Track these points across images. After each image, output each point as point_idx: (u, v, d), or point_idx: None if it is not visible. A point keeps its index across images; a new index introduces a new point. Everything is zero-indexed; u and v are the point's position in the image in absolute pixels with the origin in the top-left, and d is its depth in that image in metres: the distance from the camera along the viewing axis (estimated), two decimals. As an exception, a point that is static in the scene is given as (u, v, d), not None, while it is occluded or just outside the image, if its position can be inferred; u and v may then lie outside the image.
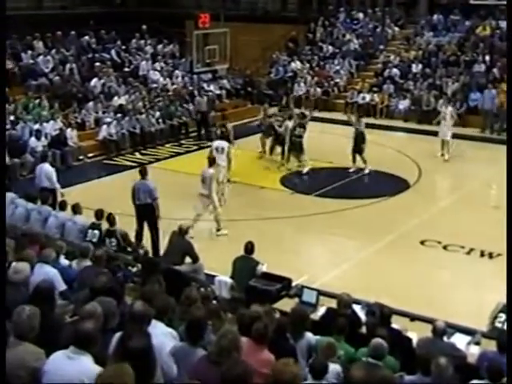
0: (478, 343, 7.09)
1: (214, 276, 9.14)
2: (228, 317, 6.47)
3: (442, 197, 15.01)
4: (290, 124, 16.86)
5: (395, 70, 24.77)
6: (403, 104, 23.22)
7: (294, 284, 8.64)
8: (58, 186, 12.06)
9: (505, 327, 7.26)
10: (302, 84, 25.53)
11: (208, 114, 21.41)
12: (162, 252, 10.35)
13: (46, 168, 12.18)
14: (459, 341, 7.09)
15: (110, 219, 9.85)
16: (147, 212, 11.14)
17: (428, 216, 13.49)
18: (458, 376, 5.91)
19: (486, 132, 20.92)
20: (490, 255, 11.50)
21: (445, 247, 11.90)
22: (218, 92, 24.39)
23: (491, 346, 6.61)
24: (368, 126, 21.64)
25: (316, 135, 18.66)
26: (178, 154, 18.97)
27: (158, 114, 20.62)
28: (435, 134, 18.71)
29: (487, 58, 23.16)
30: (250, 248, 9.01)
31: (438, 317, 7.28)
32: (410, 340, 6.83)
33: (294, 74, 26.37)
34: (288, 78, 26.46)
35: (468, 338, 7.18)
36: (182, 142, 20.31)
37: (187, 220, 11.55)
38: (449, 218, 13.41)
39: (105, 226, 9.94)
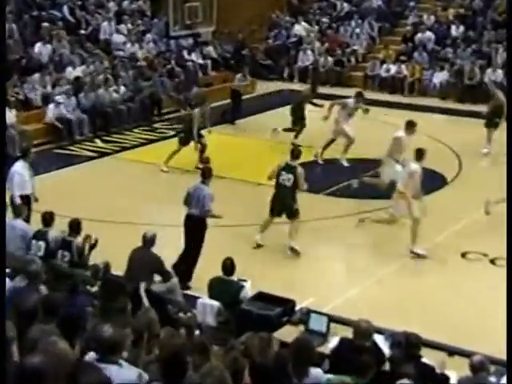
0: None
1: (196, 298, 9.14)
2: (214, 350, 6.46)
3: (489, 196, 14.99)
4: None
5: (429, 34, 24.88)
6: (440, 77, 23.34)
7: (298, 308, 8.64)
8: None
9: None
10: (309, 52, 25.66)
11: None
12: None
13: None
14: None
15: (73, 226, 9.84)
16: (194, 226, 11.06)
17: (471, 221, 13.51)
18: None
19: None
20: (492, 261, 11.62)
21: (492, 261, 11.92)
22: (201, 62, 24.44)
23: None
24: (393, 105, 21.89)
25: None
26: (152, 141, 18.97)
27: (123, 89, 20.63)
28: (478, 114, 18.70)
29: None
30: (229, 267, 9.00)
31: (487, 352, 7.29)
32: (447, 379, 6.83)
33: (299, 40, 26.44)
34: (291, 44, 26.54)
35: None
36: (156, 125, 20.30)
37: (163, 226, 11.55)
38: (497, 224, 13.43)
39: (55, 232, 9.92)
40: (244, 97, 21.52)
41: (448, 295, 10.73)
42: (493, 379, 6.93)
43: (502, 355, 7.95)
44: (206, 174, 11.28)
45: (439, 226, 13.27)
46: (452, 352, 7.77)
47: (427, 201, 14.55)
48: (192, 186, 11.21)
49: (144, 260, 9.51)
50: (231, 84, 21.31)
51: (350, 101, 16.81)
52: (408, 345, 6.89)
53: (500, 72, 22.05)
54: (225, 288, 8.87)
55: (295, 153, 12.39)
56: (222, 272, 9.00)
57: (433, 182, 15.56)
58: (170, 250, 10.80)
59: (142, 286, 9.11)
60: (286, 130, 18.04)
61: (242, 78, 21.08)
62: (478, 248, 12.24)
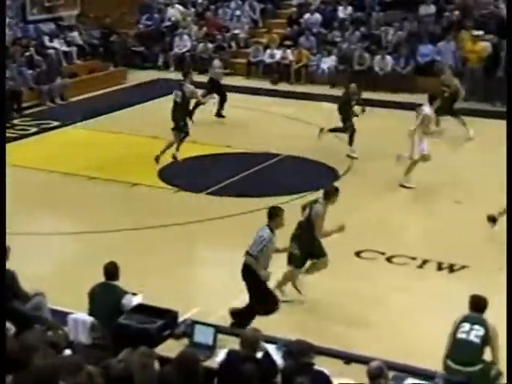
0: (439, 391, 7.33)
1: (66, 313, 9.00)
2: (89, 370, 6.38)
3: (385, 191, 15.36)
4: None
5: (316, 16, 25.19)
6: (328, 63, 23.69)
7: (181, 319, 8.63)
8: None
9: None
10: (186, 37, 25.59)
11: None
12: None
13: None
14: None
15: None
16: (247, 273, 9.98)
17: (364, 216, 13.79)
18: None
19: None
20: (451, 268, 11.90)
21: (389, 259, 12.20)
22: (65, 49, 24.02)
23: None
24: (278, 93, 22.11)
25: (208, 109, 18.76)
26: (12, 139, 18.54)
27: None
28: (372, 103, 19.10)
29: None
30: (111, 271, 8.91)
31: (385, 357, 7.47)
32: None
33: (174, 24, 26.36)
34: (165, 28, 26.43)
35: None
36: (15, 121, 19.86)
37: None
38: (393, 220, 13.76)
39: None
40: (114, 88, 21.33)
41: (342, 297, 10.90)
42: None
43: (408, 357, 8.22)
44: (273, 215, 9.97)
45: (332, 223, 13.48)
46: (349, 359, 7.89)
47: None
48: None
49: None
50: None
51: None
52: (300, 354, 6.97)
53: (389, 58, 22.58)
54: (107, 294, 8.75)
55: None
56: (104, 277, 8.88)
57: (323, 176, 15.86)
58: (36, 261, 10.60)
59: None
60: (331, 130, 17.55)
61: (218, 63, 20.74)
62: (374, 246, 12.50)
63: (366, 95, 20.69)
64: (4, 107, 13.55)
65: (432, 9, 23.72)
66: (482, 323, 8.09)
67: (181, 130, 16.25)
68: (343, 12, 25.18)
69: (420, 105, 16.12)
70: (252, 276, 9.71)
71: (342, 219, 13.56)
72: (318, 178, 15.80)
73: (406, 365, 7.85)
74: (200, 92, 17.74)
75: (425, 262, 12.09)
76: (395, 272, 11.89)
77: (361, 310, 10.53)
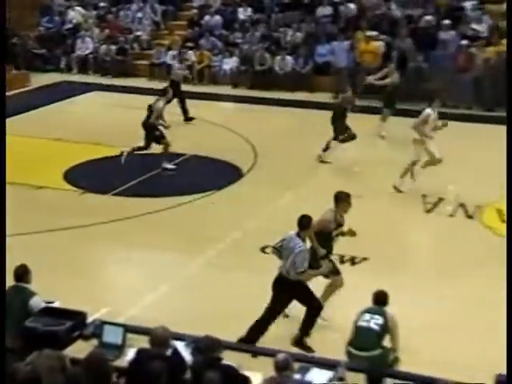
0: (341, 379, 7.41)
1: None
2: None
3: (288, 187, 15.47)
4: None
5: (217, 18, 25.22)
6: (229, 63, 23.79)
7: (90, 320, 8.53)
8: None
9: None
10: (88, 39, 25.33)
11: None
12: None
13: None
14: (318, 378, 7.38)
15: None
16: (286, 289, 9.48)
17: (269, 213, 13.91)
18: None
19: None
20: (353, 261, 12.08)
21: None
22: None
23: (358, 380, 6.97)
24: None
25: (113, 111, 18.61)
26: None
27: None
28: (273, 102, 19.23)
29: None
30: (21, 274, 8.75)
31: (294, 348, 7.54)
32: (246, 380, 7.03)
33: (76, 26, 26.03)
34: (67, 31, 26.08)
35: (329, 374, 7.49)
36: None
37: None
38: (296, 215, 13.88)
39: None
40: (18, 90, 20.93)
41: (249, 292, 10.92)
42: (298, 376, 7.19)
43: (314, 348, 8.31)
44: (303, 224, 9.53)
45: (237, 220, 13.55)
46: (256, 353, 7.93)
47: (224, 195, 14.95)
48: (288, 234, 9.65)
49: None
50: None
51: None
52: (208, 349, 6.99)
53: (289, 58, 22.76)
54: (16, 296, 8.58)
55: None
56: (15, 280, 8.70)
57: (228, 175, 15.93)
58: None
59: None
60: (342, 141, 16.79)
61: (178, 65, 20.53)
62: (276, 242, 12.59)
63: (267, 94, 20.93)
64: (4, 106, 13.19)
65: (329, 10, 23.98)
66: (382, 313, 8.32)
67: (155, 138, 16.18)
68: (243, 13, 25.27)
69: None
70: (296, 288, 9.34)
71: (249, 215, 13.74)
72: (222, 176, 15.87)
73: (311, 356, 7.93)
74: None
75: (328, 255, 12.24)
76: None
77: (264, 304, 10.59)
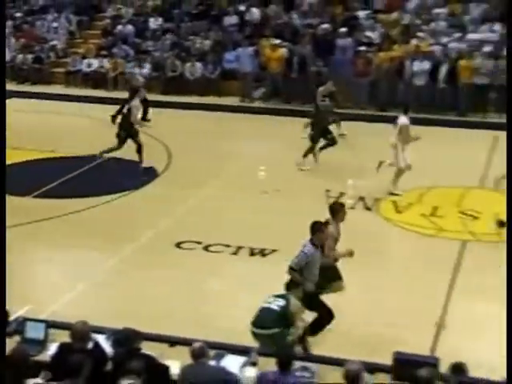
0: (254, 363, 7.42)
1: None
2: None
3: (201, 185, 15.42)
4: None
5: (129, 27, 25.01)
6: (142, 70, 23.52)
7: (13, 317, 8.32)
8: None
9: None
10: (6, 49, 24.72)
11: None
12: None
13: None
14: (232, 363, 7.36)
15: None
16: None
17: (184, 211, 13.85)
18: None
19: (247, 100, 21.95)
20: (262, 253, 12.09)
21: (206, 248, 12.26)
22: None
23: (271, 364, 6.95)
24: (100, 100, 21.81)
25: (30, 117, 18.22)
26: None
27: None
28: (184, 106, 19.16)
29: (242, 7, 24.33)
30: None
31: (209, 337, 7.50)
32: (166, 369, 6.97)
33: (-9, 36, 25.47)
34: (-18, 41, 25.49)
35: (243, 359, 7.48)
36: None
37: None
38: (209, 211, 13.84)
39: None
40: None
41: (166, 286, 10.86)
42: (213, 362, 7.19)
43: (228, 336, 8.26)
44: (314, 229, 9.09)
45: (153, 219, 13.44)
46: (173, 342, 7.87)
47: (139, 195, 14.82)
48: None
49: None
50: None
51: None
52: (128, 341, 6.93)
53: (198, 64, 22.65)
54: None
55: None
56: None
57: (144, 175, 15.80)
58: None
59: None
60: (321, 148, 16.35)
61: (138, 70, 20.36)
62: (192, 237, 12.52)
63: (178, 99, 20.81)
64: (4, 103, 12.74)
65: (235, 19, 24.03)
66: (285, 298, 8.38)
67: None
68: (154, 23, 25.11)
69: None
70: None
71: (163, 214, 13.65)
72: (138, 176, 15.73)
73: (226, 343, 7.89)
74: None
75: (239, 248, 12.24)
76: (212, 259, 11.95)
77: (180, 296, 10.52)
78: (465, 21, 21.91)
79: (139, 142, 15.99)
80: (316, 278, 8.92)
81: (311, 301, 8.85)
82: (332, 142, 16.08)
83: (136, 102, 16.14)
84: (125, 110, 15.98)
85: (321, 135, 16.05)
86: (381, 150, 14.87)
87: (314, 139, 16.03)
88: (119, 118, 16.03)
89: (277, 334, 8.07)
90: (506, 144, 11.93)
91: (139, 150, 15.99)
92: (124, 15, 25.71)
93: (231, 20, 24.08)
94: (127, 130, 15.87)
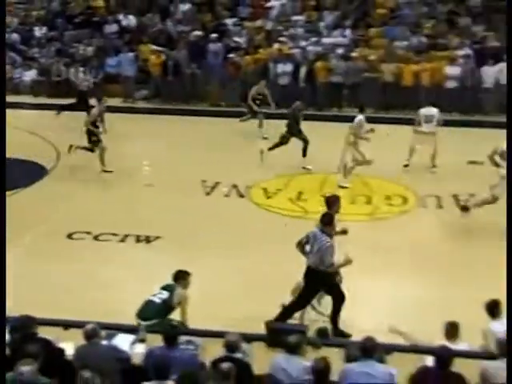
0: (143, 340, 7.43)
1: None
2: None
3: (89, 180, 15.19)
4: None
5: (15, 35, 24.32)
6: (29, 75, 23.02)
7: None
8: None
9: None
10: None
11: None
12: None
13: None
14: (123, 342, 7.36)
15: None
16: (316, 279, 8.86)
17: (74, 204, 13.70)
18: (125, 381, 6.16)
19: (130, 101, 21.74)
20: (148, 239, 12.07)
21: (96, 237, 12.15)
22: None
23: (158, 341, 6.98)
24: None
25: None
26: None
27: None
28: (69, 107, 18.87)
29: (120, 17, 24.05)
30: None
31: (101, 319, 7.47)
32: (62, 351, 6.91)
33: None
34: None
35: (132, 337, 7.48)
36: None
37: None
38: (97, 204, 13.70)
39: None
40: None
41: (62, 275, 10.65)
42: (105, 342, 7.14)
43: (119, 317, 8.17)
44: (326, 220, 8.76)
45: (44, 214, 13.19)
46: (66, 326, 7.73)
47: (30, 192, 14.46)
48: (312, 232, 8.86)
49: None
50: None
51: None
52: (23, 326, 6.82)
53: (82, 69, 22.22)
54: None
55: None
56: None
57: (32, 173, 15.45)
58: None
59: None
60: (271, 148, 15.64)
61: (82, 75, 19.77)
62: (83, 228, 12.38)
63: (64, 101, 20.34)
64: (4, 105, 11.92)
65: (115, 27, 23.76)
66: (170, 290, 8.34)
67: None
68: (39, 32, 24.48)
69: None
70: (325, 279, 8.79)
71: (53, 207, 13.39)
72: (29, 174, 15.35)
73: (117, 323, 7.86)
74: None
75: (125, 236, 12.16)
76: (102, 248, 11.84)
77: (74, 283, 10.37)
78: (320, 27, 22.39)
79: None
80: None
81: (331, 284, 8.81)
82: (305, 142, 15.51)
83: (95, 111, 15.93)
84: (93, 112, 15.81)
85: (293, 135, 15.52)
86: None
87: (285, 138, 15.50)
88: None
89: (157, 324, 7.98)
90: (506, 144, 11.67)
91: (85, 148, 15.64)
92: (9, 24, 24.89)
93: (111, 28, 23.77)
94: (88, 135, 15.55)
